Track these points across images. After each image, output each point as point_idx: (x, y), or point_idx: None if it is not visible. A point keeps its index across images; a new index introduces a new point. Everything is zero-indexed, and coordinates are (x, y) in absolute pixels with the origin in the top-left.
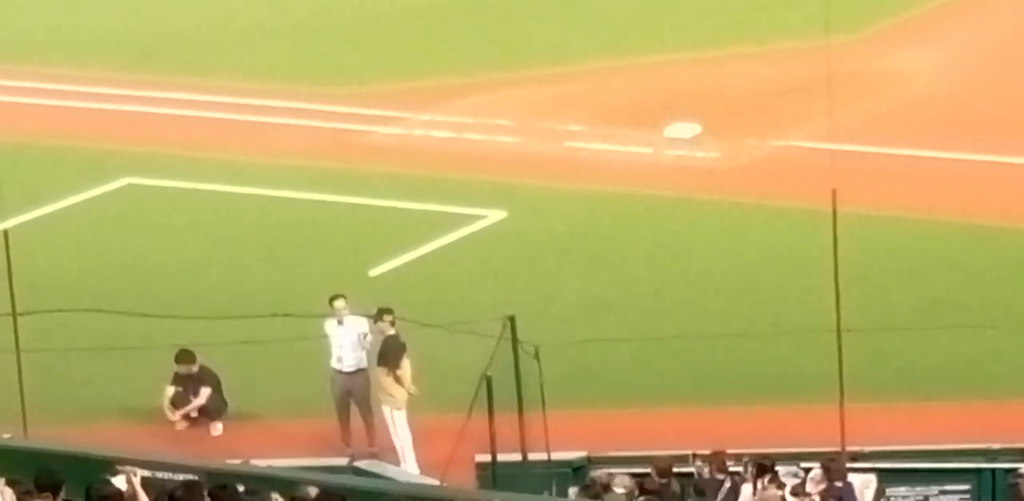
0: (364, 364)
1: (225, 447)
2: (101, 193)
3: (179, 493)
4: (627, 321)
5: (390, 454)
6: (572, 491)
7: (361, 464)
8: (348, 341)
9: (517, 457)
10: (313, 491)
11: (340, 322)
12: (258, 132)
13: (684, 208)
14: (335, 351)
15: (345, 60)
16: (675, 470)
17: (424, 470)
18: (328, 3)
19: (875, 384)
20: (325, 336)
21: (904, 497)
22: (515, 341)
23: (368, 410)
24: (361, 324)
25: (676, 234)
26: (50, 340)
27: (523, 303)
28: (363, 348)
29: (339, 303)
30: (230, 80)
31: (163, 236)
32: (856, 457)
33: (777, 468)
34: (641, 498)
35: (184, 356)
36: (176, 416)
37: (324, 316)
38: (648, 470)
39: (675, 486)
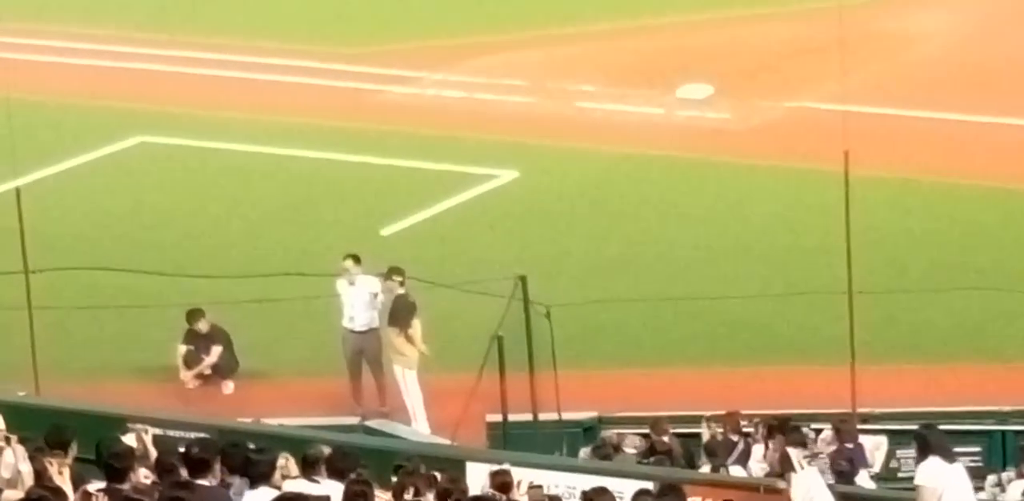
0: (376, 323)
1: (236, 405)
2: (114, 151)
3: (195, 450)
4: (639, 281)
5: (401, 413)
6: (583, 451)
7: (372, 423)
8: (360, 301)
9: (528, 417)
10: (326, 450)
11: (352, 282)
12: (271, 91)
13: (696, 169)
14: (347, 310)
15: (359, 20)
16: (685, 431)
17: (435, 430)
18: None
19: (886, 346)
20: (337, 295)
21: (914, 459)
22: (526, 301)
23: (379, 369)
24: (373, 284)
25: (688, 195)
26: (62, 298)
27: (535, 263)
28: (375, 308)
29: (349, 263)
30: (243, 39)
31: (176, 194)
32: (867, 419)
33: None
34: (651, 458)
35: (195, 315)
36: (188, 375)
37: (336, 275)
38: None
39: (677, 446)
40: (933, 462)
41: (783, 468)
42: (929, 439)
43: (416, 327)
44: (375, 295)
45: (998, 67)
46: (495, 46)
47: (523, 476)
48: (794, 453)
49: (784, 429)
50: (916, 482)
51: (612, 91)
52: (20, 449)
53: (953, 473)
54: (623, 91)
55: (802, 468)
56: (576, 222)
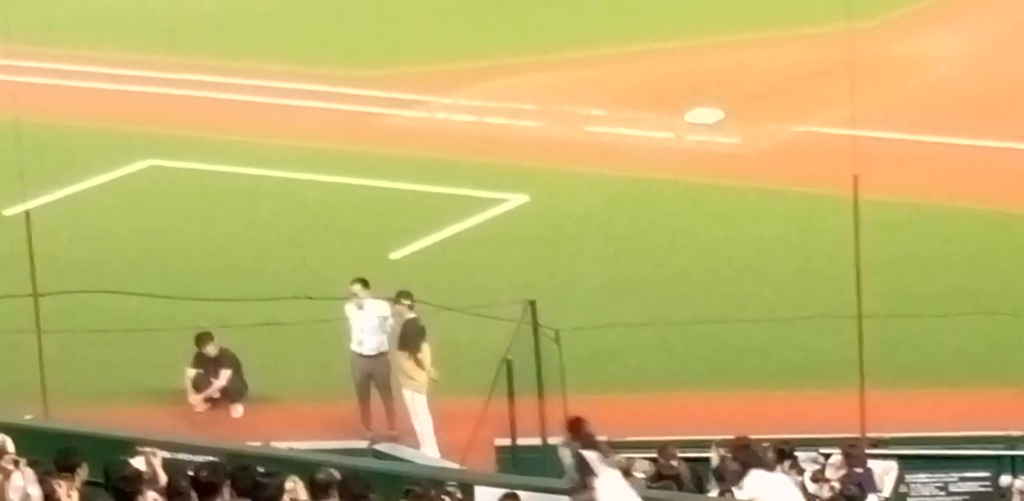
0: (385, 347)
1: (245, 429)
2: (123, 175)
3: (203, 474)
4: (647, 306)
5: (410, 437)
6: None
7: (381, 447)
8: (369, 324)
9: (537, 441)
10: (336, 474)
11: (360, 306)
12: (280, 115)
13: (705, 193)
14: (356, 334)
15: (368, 43)
16: (694, 455)
17: (444, 453)
18: None
19: (896, 370)
20: (346, 319)
21: (924, 483)
22: (536, 325)
23: (388, 393)
24: (382, 308)
25: (697, 219)
26: (71, 321)
27: (544, 287)
28: (384, 332)
29: (358, 287)
30: (253, 62)
31: (185, 218)
32: (876, 443)
33: (797, 454)
34: (659, 483)
35: (204, 338)
36: (197, 398)
37: (345, 299)
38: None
39: (686, 470)
40: (756, 474)
41: (583, 473)
42: (743, 457)
43: (425, 351)
44: (384, 319)
45: (1007, 91)
46: (504, 70)
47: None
48: (590, 456)
49: (741, 452)
50: (744, 497)
51: (622, 115)
52: (29, 472)
53: (778, 481)
54: (633, 115)
55: (604, 472)
56: (585, 246)
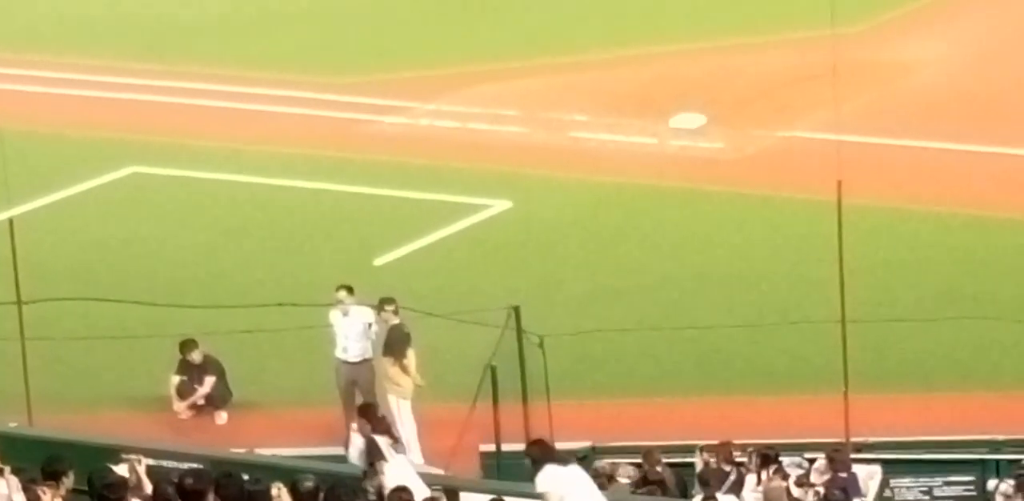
0: (369, 354)
1: (230, 436)
2: (107, 181)
3: (189, 481)
4: (632, 311)
5: (395, 444)
6: None
7: None
8: (353, 331)
9: (522, 447)
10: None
11: (345, 312)
12: (263, 121)
13: (689, 199)
14: (340, 341)
15: (350, 50)
16: (678, 460)
17: (429, 459)
18: None
19: (880, 375)
20: (330, 326)
21: (908, 488)
22: (520, 331)
23: (373, 400)
24: (367, 314)
25: (681, 225)
26: (55, 328)
27: (528, 293)
28: (368, 338)
29: (343, 294)
30: (236, 69)
31: (169, 225)
32: (860, 448)
33: (781, 459)
34: (644, 488)
35: (188, 345)
36: (181, 405)
37: (329, 305)
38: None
39: (670, 476)
40: (549, 468)
41: (372, 457)
42: (535, 453)
43: (410, 357)
44: (369, 325)
45: (991, 96)
46: (488, 76)
47: None
48: (381, 441)
49: (533, 448)
50: (538, 490)
51: (605, 121)
52: (14, 480)
53: (571, 474)
54: (616, 121)
55: (392, 456)
56: (569, 252)
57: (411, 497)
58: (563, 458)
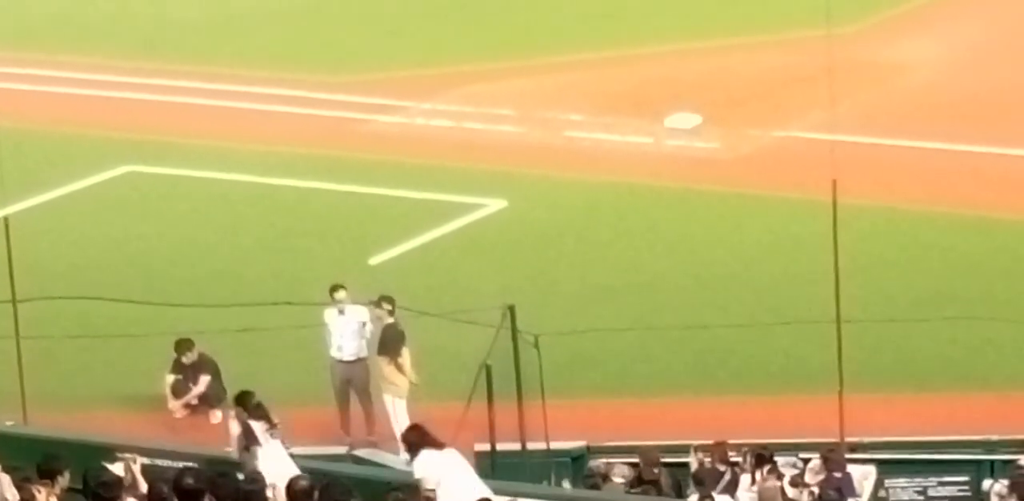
0: (364, 353)
1: (224, 435)
2: (102, 180)
3: (188, 481)
4: (627, 311)
5: (389, 443)
6: (566, 483)
7: (361, 453)
8: (348, 330)
9: (516, 446)
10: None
11: (341, 311)
12: (258, 120)
13: (684, 198)
14: (335, 340)
15: (346, 48)
16: (672, 460)
17: None
18: None
19: (874, 375)
20: (325, 325)
21: (903, 488)
22: (515, 330)
23: (367, 399)
24: (361, 313)
25: (676, 224)
26: (51, 327)
27: (523, 292)
28: (363, 337)
29: (340, 294)
30: (231, 68)
31: (164, 224)
32: (855, 448)
33: (776, 458)
34: (639, 488)
35: (183, 344)
36: (176, 404)
37: (323, 304)
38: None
39: (666, 477)
40: (425, 454)
41: (248, 441)
42: (412, 438)
43: (406, 356)
44: (363, 324)
45: (986, 97)
46: (483, 75)
47: None
48: (256, 426)
49: (410, 434)
50: (416, 476)
51: (600, 120)
52: (6, 478)
53: (446, 458)
54: (611, 120)
55: (267, 441)
56: (564, 251)
57: (409, 497)
58: (439, 443)
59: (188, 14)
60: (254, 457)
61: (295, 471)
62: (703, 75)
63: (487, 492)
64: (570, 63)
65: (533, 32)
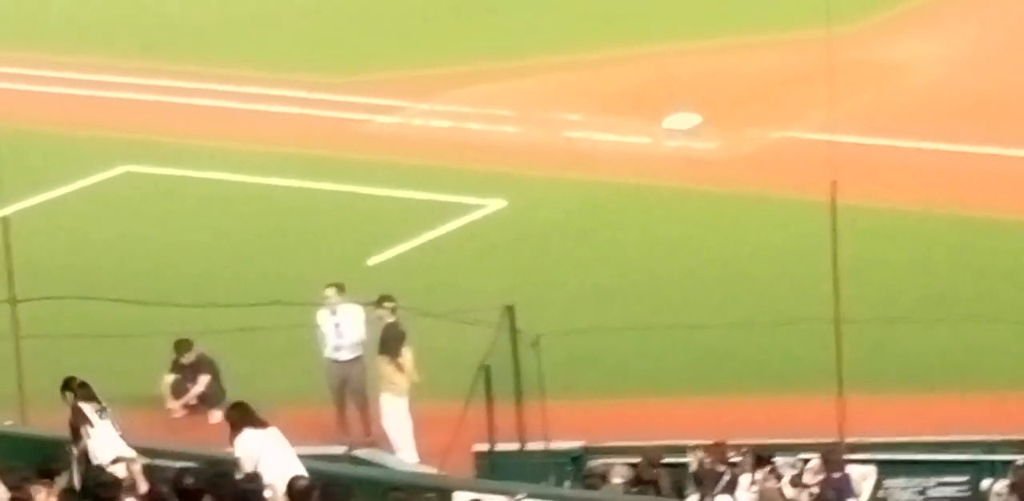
0: (360, 353)
1: (223, 435)
2: (100, 181)
3: (189, 481)
4: (626, 311)
5: (387, 442)
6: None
7: (359, 453)
8: (345, 330)
9: (515, 446)
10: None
11: (334, 311)
12: (257, 120)
13: (684, 199)
14: (332, 340)
15: (345, 49)
16: (672, 461)
17: (422, 459)
18: None
19: (874, 375)
20: (317, 326)
21: (903, 488)
22: (514, 330)
23: (363, 399)
24: (358, 312)
25: (675, 224)
26: (49, 327)
27: (522, 292)
28: (360, 337)
29: (330, 292)
30: (229, 68)
31: (162, 224)
32: (855, 448)
33: (775, 459)
34: (637, 488)
35: (182, 345)
36: (175, 404)
37: (321, 305)
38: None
39: (665, 477)
40: (246, 433)
41: (78, 421)
42: (234, 416)
43: (407, 355)
44: (360, 324)
45: (986, 97)
46: (482, 76)
47: None
48: (87, 407)
49: (232, 412)
50: (235, 455)
51: (600, 121)
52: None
53: (266, 436)
54: (611, 121)
55: (98, 422)
56: (563, 251)
57: (408, 497)
58: (262, 422)
59: (187, 14)
60: (86, 437)
61: (126, 449)
62: (702, 75)
63: (302, 470)
64: (569, 63)
65: (532, 32)
